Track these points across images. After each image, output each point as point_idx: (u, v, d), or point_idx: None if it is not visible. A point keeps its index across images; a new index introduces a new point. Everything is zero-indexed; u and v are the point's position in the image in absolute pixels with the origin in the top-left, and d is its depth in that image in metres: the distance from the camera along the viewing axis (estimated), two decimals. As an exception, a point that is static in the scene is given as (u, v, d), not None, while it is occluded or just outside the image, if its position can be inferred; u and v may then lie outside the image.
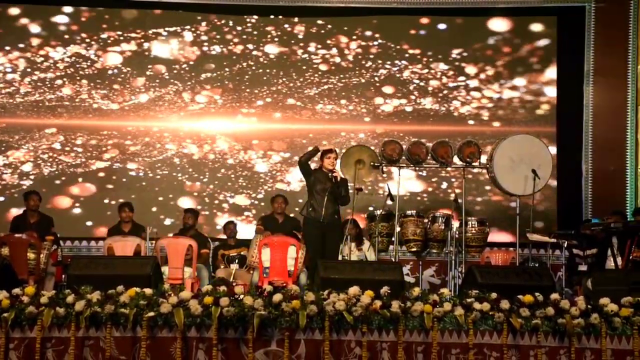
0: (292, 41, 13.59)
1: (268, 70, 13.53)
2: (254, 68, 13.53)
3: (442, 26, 13.54)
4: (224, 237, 11.90)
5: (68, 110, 13.30)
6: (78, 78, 13.35)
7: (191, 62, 13.51)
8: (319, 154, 10.24)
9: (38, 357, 6.98)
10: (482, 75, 13.44)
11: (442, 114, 13.35)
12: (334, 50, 13.54)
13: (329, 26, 13.55)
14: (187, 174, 13.33)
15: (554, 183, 12.86)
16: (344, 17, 13.52)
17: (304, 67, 13.52)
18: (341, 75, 13.49)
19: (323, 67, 13.52)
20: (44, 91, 13.30)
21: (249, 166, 13.37)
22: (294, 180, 13.16)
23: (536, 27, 13.52)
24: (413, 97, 13.38)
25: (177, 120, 13.37)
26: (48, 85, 13.31)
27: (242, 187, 13.33)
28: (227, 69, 13.53)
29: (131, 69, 13.43)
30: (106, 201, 13.12)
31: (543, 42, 13.48)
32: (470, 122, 13.32)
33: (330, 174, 9.85)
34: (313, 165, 10.26)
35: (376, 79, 13.45)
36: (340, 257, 10.19)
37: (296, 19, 13.58)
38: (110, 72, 13.42)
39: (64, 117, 13.28)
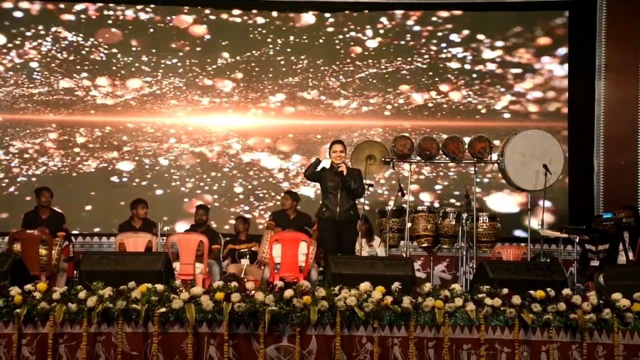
0: (313, 32, 13.51)
1: (287, 61, 13.43)
2: (266, 58, 13.42)
3: (450, 22, 13.52)
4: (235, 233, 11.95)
5: (65, 104, 13.22)
6: (72, 68, 13.26)
7: (201, 50, 13.45)
8: (327, 151, 9.92)
9: (50, 353, 7.02)
10: (493, 70, 13.41)
11: (456, 110, 13.33)
12: (357, 42, 13.49)
13: (345, 18, 13.53)
14: (194, 183, 13.25)
15: (565, 178, 12.81)
16: (364, 12, 13.52)
17: (326, 59, 13.48)
18: (364, 68, 13.43)
19: (346, 59, 13.45)
20: (36, 85, 13.25)
21: (264, 171, 13.31)
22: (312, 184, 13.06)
23: (547, 21, 13.48)
24: (423, 94, 13.38)
25: (185, 116, 13.31)
26: (41, 77, 13.25)
27: (260, 198, 13.27)
28: (240, 58, 13.43)
29: (131, 58, 13.38)
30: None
31: (554, 37, 13.43)
32: (481, 117, 13.30)
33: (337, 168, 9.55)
34: (322, 164, 9.92)
35: (398, 71, 13.45)
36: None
37: (311, 13, 13.58)
38: (103, 60, 13.33)
39: (57, 112, 13.20)
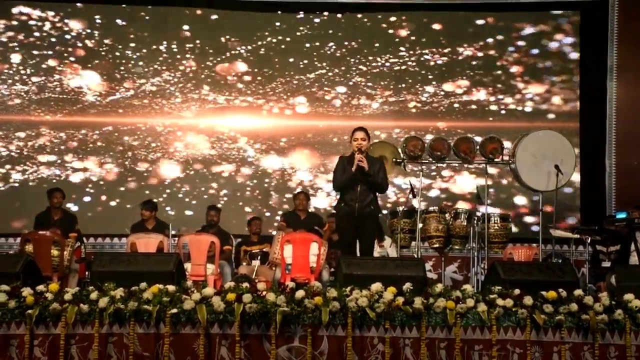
0: (333, 26, 13.53)
1: (304, 56, 13.42)
2: (280, 53, 13.41)
3: (462, 22, 13.51)
4: (248, 234, 11.94)
5: (57, 103, 13.19)
6: (67, 61, 13.24)
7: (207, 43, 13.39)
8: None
9: (62, 354, 7.02)
10: (505, 70, 13.40)
11: (465, 110, 13.32)
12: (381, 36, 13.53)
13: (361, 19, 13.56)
14: (205, 186, 13.22)
15: (577, 178, 12.78)
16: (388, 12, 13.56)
17: (346, 56, 13.49)
18: (391, 64, 13.43)
19: (370, 55, 13.47)
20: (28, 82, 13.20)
21: (276, 172, 13.29)
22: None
23: (559, 22, 13.46)
24: (432, 93, 13.37)
25: (192, 117, 13.28)
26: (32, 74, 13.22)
27: (271, 200, 13.20)
28: (251, 52, 13.37)
29: (130, 51, 13.33)
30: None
31: (566, 37, 13.42)
32: (492, 118, 13.29)
33: (357, 161, 8.85)
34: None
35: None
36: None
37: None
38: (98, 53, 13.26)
39: (50, 112, 13.17)
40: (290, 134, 13.29)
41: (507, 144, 11.23)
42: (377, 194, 9.28)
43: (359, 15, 13.49)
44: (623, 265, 9.79)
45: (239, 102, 13.30)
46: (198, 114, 13.26)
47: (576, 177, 12.53)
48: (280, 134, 13.30)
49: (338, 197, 9.35)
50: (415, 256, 10.70)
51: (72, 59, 13.28)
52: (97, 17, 13.31)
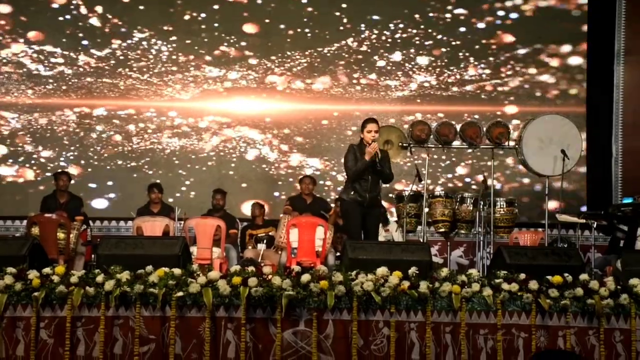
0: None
1: (319, 29, 13.29)
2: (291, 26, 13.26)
3: (466, 5, 13.46)
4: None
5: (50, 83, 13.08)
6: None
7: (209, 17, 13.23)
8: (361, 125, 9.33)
9: (68, 336, 7.05)
10: (512, 54, 13.35)
11: (469, 94, 13.27)
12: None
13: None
14: (207, 171, 13.18)
15: (583, 164, 12.75)
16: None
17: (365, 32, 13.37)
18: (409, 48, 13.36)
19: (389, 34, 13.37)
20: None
21: (283, 161, 13.25)
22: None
23: (566, 5, 13.39)
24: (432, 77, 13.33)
25: (191, 99, 13.21)
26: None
27: (277, 185, 13.15)
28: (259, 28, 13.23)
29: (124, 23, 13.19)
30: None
31: (573, 22, 13.36)
32: (500, 102, 13.25)
33: (373, 150, 8.97)
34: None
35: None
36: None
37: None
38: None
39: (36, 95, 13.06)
40: (300, 119, 13.21)
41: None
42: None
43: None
44: (629, 251, 9.78)
45: (248, 82, 13.17)
46: (200, 95, 13.14)
47: (582, 162, 12.49)
48: (292, 117, 13.21)
49: (346, 184, 9.34)
50: (421, 240, 10.71)
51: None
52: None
